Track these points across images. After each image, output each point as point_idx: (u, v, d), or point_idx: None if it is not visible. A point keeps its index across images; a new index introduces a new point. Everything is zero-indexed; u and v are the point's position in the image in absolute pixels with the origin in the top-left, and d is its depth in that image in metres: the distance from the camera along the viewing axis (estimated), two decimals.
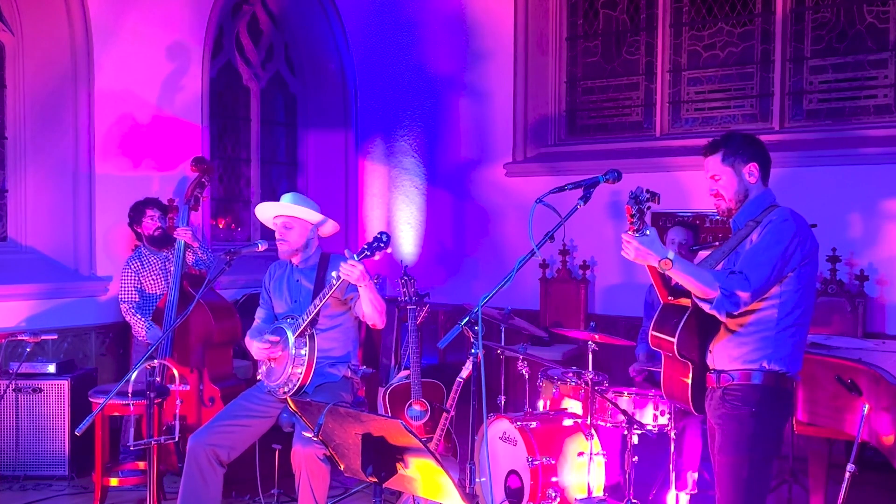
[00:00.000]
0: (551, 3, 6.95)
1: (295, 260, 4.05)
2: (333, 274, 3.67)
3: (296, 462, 3.67)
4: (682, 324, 3.01)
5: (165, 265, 5.30)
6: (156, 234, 5.26)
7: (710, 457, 3.16)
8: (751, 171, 3.01)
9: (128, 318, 5.16)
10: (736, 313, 2.90)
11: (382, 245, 3.59)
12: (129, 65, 5.95)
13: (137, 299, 5.18)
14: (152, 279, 5.25)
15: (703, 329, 3.04)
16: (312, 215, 3.97)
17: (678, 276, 2.88)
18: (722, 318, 2.90)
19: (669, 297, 3.11)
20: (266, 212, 4.05)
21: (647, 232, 2.78)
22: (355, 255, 3.59)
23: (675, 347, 3.03)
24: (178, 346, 4.89)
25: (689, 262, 2.93)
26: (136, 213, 5.29)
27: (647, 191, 2.75)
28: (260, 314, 4.20)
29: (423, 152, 7.47)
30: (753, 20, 6.22)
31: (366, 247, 3.59)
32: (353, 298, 3.90)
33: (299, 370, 3.79)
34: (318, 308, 3.77)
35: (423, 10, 7.38)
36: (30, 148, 5.83)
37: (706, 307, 2.89)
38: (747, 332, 2.95)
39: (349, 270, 3.59)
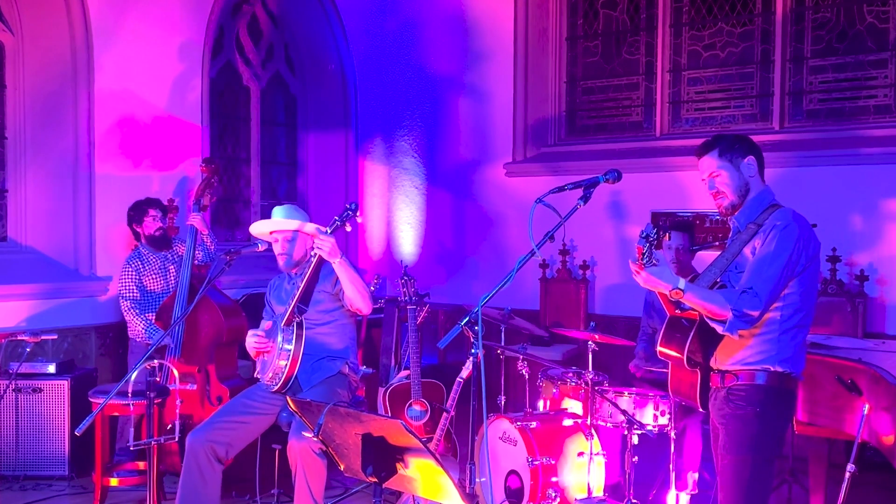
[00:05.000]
0: (551, 3, 6.95)
1: (295, 270, 4.08)
2: (313, 253, 3.73)
3: (292, 457, 3.68)
4: (690, 338, 3.02)
5: (166, 265, 5.29)
6: (156, 234, 5.25)
7: (713, 456, 3.17)
8: (749, 162, 3.02)
9: (128, 317, 5.14)
10: (745, 334, 2.92)
11: (351, 213, 3.65)
12: (129, 65, 5.95)
13: (138, 297, 5.15)
14: (153, 278, 5.24)
15: (708, 336, 3.04)
16: (311, 226, 3.99)
17: (691, 303, 2.89)
18: (734, 336, 2.92)
19: (676, 311, 3.11)
20: (264, 228, 4.07)
21: (655, 262, 2.80)
22: (327, 229, 3.63)
23: (684, 361, 3.05)
24: (187, 346, 4.89)
25: (697, 286, 2.93)
26: (138, 212, 5.27)
27: (655, 228, 2.77)
28: (265, 325, 4.22)
29: (423, 152, 7.47)
30: (753, 20, 6.22)
31: (336, 218, 3.66)
32: (342, 290, 3.92)
33: (283, 363, 3.82)
34: (300, 291, 3.79)
35: (423, 10, 7.38)
36: (30, 148, 5.83)
37: (719, 328, 2.91)
38: (751, 335, 2.95)
39: (320, 244, 3.66)
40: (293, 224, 3.99)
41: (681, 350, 3.06)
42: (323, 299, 3.96)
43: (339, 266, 3.77)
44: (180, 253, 5.34)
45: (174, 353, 4.84)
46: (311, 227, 4.01)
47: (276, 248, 4.03)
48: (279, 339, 3.84)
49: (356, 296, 3.84)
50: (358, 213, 3.66)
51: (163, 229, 5.28)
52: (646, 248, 2.77)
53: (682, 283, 2.84)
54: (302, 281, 3.85)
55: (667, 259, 4.73)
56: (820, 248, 3.00)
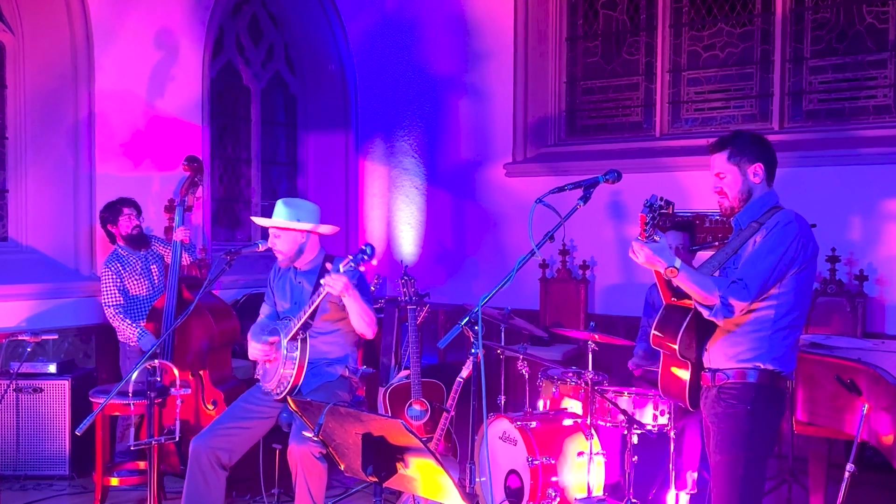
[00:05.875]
0: (551, 3, 6.96)
1: (297, 264, 4.05)
2: (322, 282, 3.65)
3: (292, 460, 3.67)
4: (684, 325, 3.03)
5: (147, 265, 5.18)
6: (133, 233, 5.11)
7: (707, 455, 3.18)
8: (756, 171, 3.03)
9: (115, 324, 5.03)
10: (731, 318, 2.93)
11: (366, 258, 3.57)
12: (129, 65, 5.95)
13: (122, 302, 5.04)
14: (135, 280, 5.12)
15: (702, 329, 3.06)
16: (294, 224, 3.91)
17: (682, 284, 2.90)
18: (719, 322, 2.94)
19: (673, 298, 3.12)
20: (263, 224, 4.06)
21: (657, 238, 2.80)
22: (340, 267, 3.58)
23: (676, 348, 3.05)
24: (178, 352, 4.83)
25: (693, 268, 2.95)
26: (113, 212, 5.13)
27: (662, 198, 2.76)
28: (264, 310, 4.20)
29: (423, 152, 7.47)
30: (753, 20, 6.23)
31: (350, 258, 3.57)
32: None
33: (290, 371, 3.79)
34: (307, 314, 3.76)
35: (423, 10, 7.38)
36: (30, 148, 5.83)
37: (705, 313, 2.92)
38: (743, 332, 2.97)
39: (331, 283, 3.59)
40: (293, 225, 3.92)
41: (674, 338, 3.06)
42: (329, 308, 3.92)
43: (349, 300, 3.73)
44: (159, 252, 5.28)
45: (165, 359, 4.76)
46: (306, 226, 3.94)
47: (271, 243, 3.97)
48: (284, 349, 3.82)
49: (362, 324, 3.85)
50: (374, 258, 3.59)
51: (139, 227, 5.15)
52: (649, 218, 2.75)
53: (677, 262, 2.85)
54: (309, 306, 3.75)
55: None
56: (818, 251, 3.02)
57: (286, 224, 3.91)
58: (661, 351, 3.19)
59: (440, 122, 7.35)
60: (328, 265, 3.65)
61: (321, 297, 3.69)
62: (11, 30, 5.78)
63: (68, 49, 5.74)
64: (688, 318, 3.04)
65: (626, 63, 6.78)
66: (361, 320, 3.83)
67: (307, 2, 7.34)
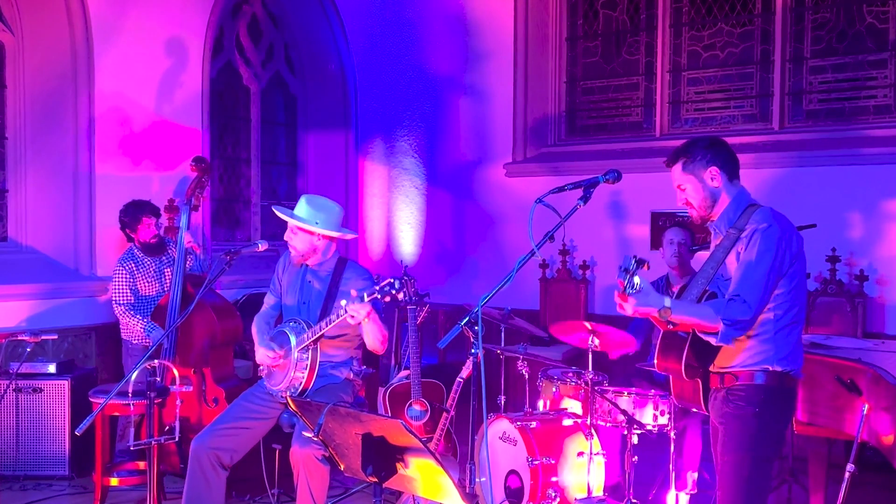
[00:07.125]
0: (551, 3, 6.96)
1: (309, 262, 4.03)
2: (343, 302, 3.59)
3: (294, 462, 3.67)
4: (686, 349, 3.01)
5: (161, 268, 5.19)
6: (152, 241, 5.12)
7: (713, 456, 3.17)
8: (712, 175, 2.99)
9: (124, 320, 5.06)
10: (742, 337, 2.90)
11: (394, 291, 3.51)
12: (129, 65, 5.95)
13: (133, 301, 5.07)
14: (147, 281, 5.14)
15: (704, 346, 3.02)
16: (311, 227, 3.87)
17: (679, 320, 2.86)
18: (730, 346, 2.90)
19: (669, 326, 3.10)
20: (281, 216, 3.99)
21: (637, 287, 2.71)
22: (365, 295, 3.53)
23: (682, 372, 3.04)
24: (181, 348, 4.85)
25: (684, 302, 2.91)
26: (132, 219, 5.12)
27: (635, 258, 2.70)
28: (269, 300, 4.18)
29: (423, 152, 7.47)
30: (753, 20, 6.23)
31: (377, 289, 3.52)
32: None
33: (301, 375, 3.79)
34: (323, 331, 3.75)
35: (423, 10, 7.38)
36: (30, 148, 5.84)
37: (713, 341, 2.88)
38: (747, 337, 2.95)
39: (354, 311, 3.56)
40: (310, 228, 3.87)
41: (678, 362, 3.03)
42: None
43: (369, 322, 3.71)
44: (174, 256, 5.28)
45: (169, 355, 4.78)
46: (323, 232, 3.88)
47: (287, 237, 3.94)
48: (294, 352, 3.82)
49: (375, 343, 3.85)
50: (401, 292, 3.51)
51: (159, 236, 5.17)
52: (626, 279, 2.69)
53: (667, 301, 2.79)
54: (326, 323, 3.73)
55: (668, 254, 4.76)
56: (803, 243, 2.99)
57: (303, 225, 3.88)
58: (669, 374, 3.18)
59: (440, 122, 7.35)
60: (353, 292, 3.58)
61: (340, 318, 3.66)
62: (11, 30, 5.78)
63: (68, 49, 5.75)
64: (688, 342, 3.01)
65: (626, 63, 6.78)
66: (375, 340, 3.84)
67: (307, 2, 7.34)
